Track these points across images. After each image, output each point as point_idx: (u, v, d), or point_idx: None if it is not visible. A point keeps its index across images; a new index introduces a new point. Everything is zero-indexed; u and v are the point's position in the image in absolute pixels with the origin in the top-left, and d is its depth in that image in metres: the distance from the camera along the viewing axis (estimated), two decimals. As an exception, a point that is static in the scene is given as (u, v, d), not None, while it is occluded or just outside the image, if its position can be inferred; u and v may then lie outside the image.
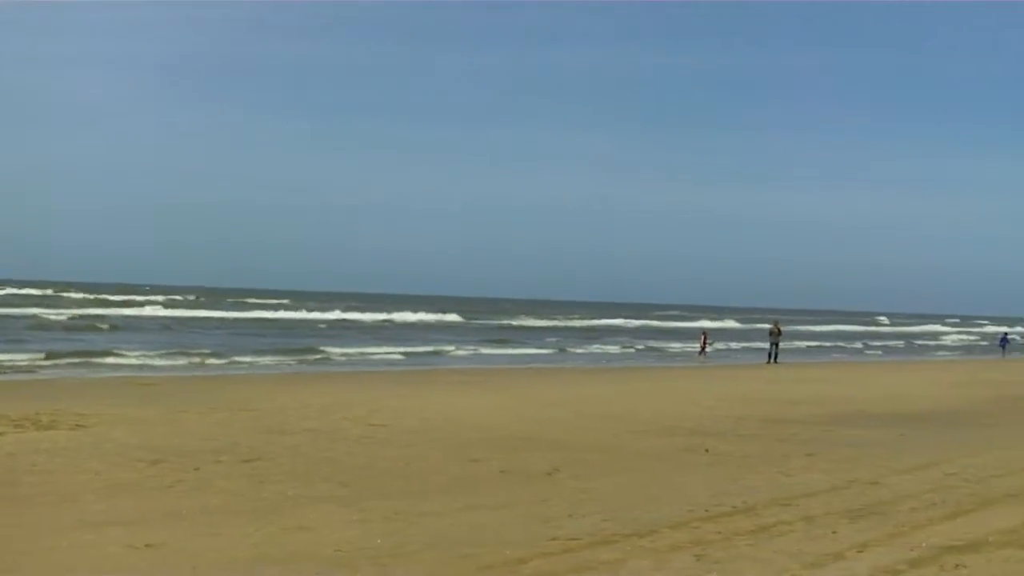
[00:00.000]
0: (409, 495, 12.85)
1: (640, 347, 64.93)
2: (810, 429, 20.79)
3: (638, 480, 14.23)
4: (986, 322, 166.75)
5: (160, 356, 39.49)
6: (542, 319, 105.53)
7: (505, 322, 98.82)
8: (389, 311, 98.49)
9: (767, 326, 54.69)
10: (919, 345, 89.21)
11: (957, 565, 9.28)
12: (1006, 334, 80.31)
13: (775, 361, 49.71)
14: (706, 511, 11.70)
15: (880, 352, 74.57)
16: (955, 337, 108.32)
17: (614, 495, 12.93)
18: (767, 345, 51.47)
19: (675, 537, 10.38)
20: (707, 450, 17.28)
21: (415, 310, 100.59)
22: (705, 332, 61.32)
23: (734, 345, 66.28)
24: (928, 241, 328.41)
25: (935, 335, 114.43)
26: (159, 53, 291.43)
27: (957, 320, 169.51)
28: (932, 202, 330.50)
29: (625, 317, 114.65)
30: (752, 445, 18.07)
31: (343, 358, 44.96)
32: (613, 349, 62.00)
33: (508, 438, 18.40)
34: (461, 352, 53.01)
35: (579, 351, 58.35)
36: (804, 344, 75.49)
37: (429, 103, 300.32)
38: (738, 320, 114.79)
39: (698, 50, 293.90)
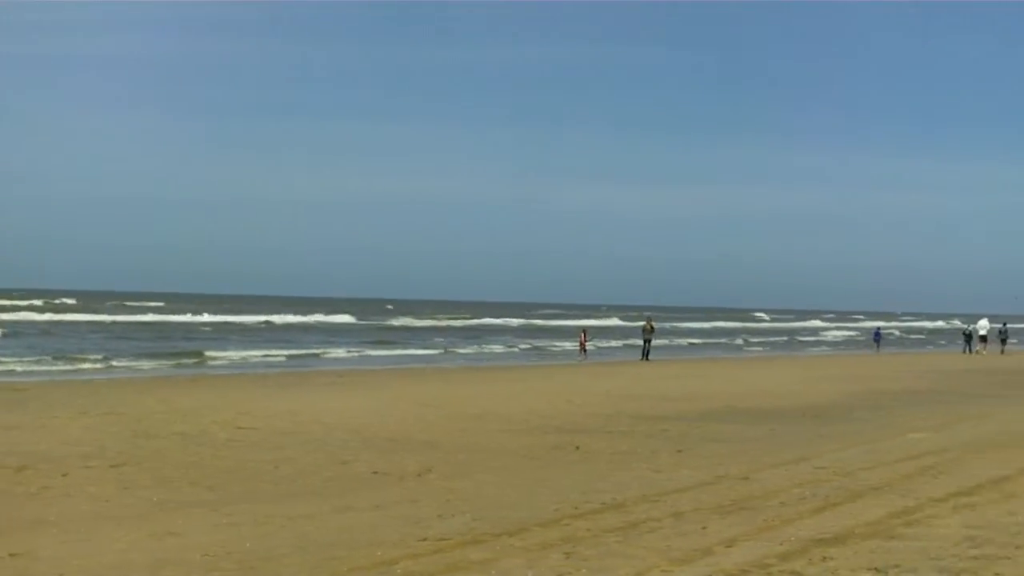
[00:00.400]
0: (279, 498, 12.74)
1: (524, 346, 65.79)
2: (680, 425, 20.92)
3: (509, 479, 14.20)
4: (862, 317, 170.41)
5: (35, 361, 38.83)
6: (431, 319, 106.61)
7: (396, 323, 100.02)
8: (280, 313, 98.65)
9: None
10: (798, 341, 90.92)
11: (824, 557, 9.35)
12: (879, 329, 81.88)
13: (647, 358, 50.20)
14: (576, 508, 11.70)
15: (759, 348, 75.66)
16: (834, 333, 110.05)
17: (485, 495, 12.90)
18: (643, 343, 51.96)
19: (545, 535, 10.34)
20: (578, 448, 17.34)
21: (308, 312, 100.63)
22: (585, 330, 61.57)
23: (615, 343, 66.71)
24: (806, 238, 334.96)
25: (814, 331, 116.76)
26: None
27: (833, 316, 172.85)
28: (803, 199, 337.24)
29: (510, 317, 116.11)
30: (623, 442, 18.15)
31: (224, 361, 44.63)
32: (498, 348, 62.73)
33: (381, 439, 18.28)
34: (344, 353, 52.93)
35: (464, 351, 58.68)
36: (686, 341, 76.79)
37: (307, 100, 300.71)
38: (621, 318, 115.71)
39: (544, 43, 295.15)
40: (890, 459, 15.66)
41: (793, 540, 10.04)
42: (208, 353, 47.47)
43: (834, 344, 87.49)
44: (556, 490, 13.06)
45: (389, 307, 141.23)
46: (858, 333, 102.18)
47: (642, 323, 54.45)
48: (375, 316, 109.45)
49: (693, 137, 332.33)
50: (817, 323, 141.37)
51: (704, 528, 10.63)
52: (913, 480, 13.71)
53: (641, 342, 52.09)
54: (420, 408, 23.62)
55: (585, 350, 55.42)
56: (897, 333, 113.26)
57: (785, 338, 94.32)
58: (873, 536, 10.24)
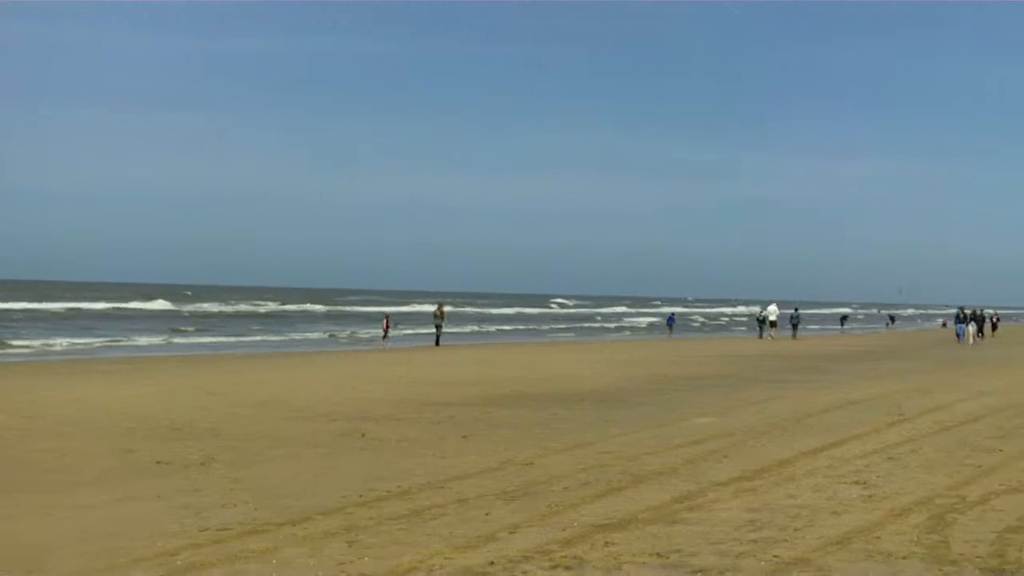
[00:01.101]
0: (61, 488, 12.39)
1: (329, 332, 66.09)
2: (468, 411, 20.91)
3: (293, 467, 14.01)
4: (659, 303, 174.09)
5: None
6: (246, 304, 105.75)
7: (215, 308, 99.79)
8: (90, 300, 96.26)
9: (449, 309, 55.51)
10: (601, 327, 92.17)
11: (607, 543, 9.43)
12: (673, 314, 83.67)
13: (438, 344, 50.39)
14: (360, 496, 11.61)
15: (562, 334, 76.47)
16: (635, 319, 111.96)
17: (268, 483, 12.69)
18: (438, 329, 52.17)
19: (328, 524, 10.24)
20: (364, 435, 17.20)
21: (127, 299, 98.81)
22: (387, 316, 61.82)
23: (423, 330, 66.80)
24: (607, 229, 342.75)
25: (619, 316, 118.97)
26: None
27: (629, 301, 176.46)
28: (612, 187, 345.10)
29: (319, 303, 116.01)
30: (409, 429, 18.03)
31: (26, 349, 43.77)
32: (314, 335, 62.98)
33: (165, 428, 17.87)
34: (146, 341, 51.74)
35: (275, 338, 58.52)
36: (495, 328, 77.58)
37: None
38: (431, 304, 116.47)
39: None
40: (675, 444, 15.87)
41: (576, 525, 10.10)
42: (9, 341, 46.21)
43: (636, 329, 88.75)
44: (340, 478, 12.92)
45: (188, 293, 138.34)
46: (660, 319, 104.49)
47: (433, 308, 54.70)
48: (200, 301, 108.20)
49: (494, 128, 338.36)
50: (621, 309, 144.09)
51: (488, 514, 10.64)
52: (697, 464, 13.92)
53: (433, 328, 52.39)
54: (206, 396, 23.20)
55: (387, 336, 55.56)
56: (702, 319, 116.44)
57: (587, 324, 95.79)
58: (656, 521, 10.37)
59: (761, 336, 67.35)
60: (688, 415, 20.10)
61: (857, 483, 12.49)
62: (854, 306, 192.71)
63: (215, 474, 13.44)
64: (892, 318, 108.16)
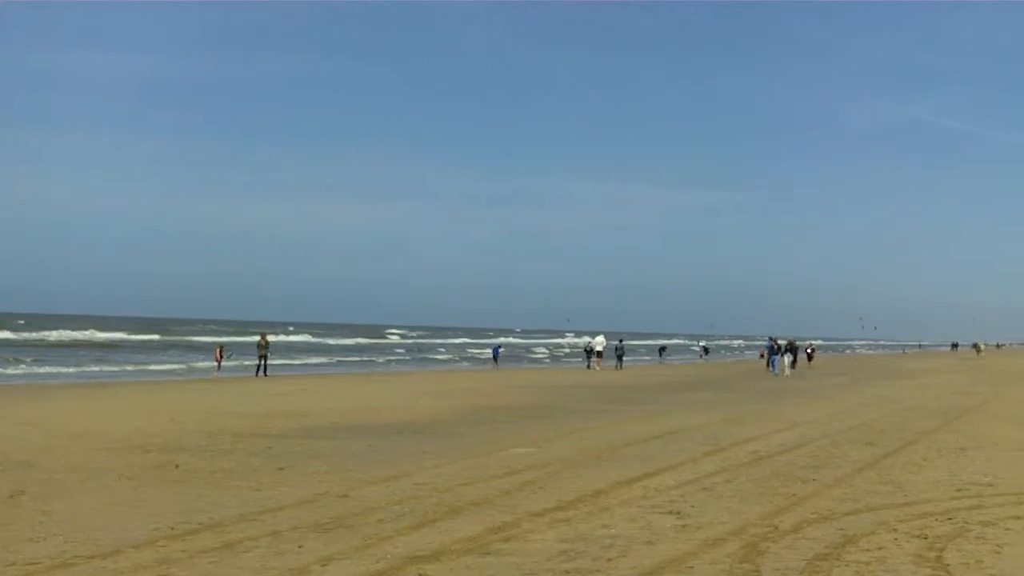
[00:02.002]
0: None
1: (164, 363, 64.98)
2: (284, 443, 20.67)
3: (104, 500, 13.63)
4: (492, 334, 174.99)
5: None
6: (82, 333, 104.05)
7: (51, 337, 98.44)
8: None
9: (285, 339, 55.10)
10: (431, 358, 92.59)
11: (420, 574, 9.41)
12: (498, 346, 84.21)
13: (264, 374, 49.81)
14: (172, 529, 11.38)
15: (395, 364, 76.54)
16: (476, 351, 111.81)
17: (79, 516, 12.34)
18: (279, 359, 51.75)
19: (139, 557, 10.02)
20: (177, 466, 16.88)
21: None
22: (221, 346, 61.57)
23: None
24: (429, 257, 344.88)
25: (460, 347, 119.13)
26: None
27: (462, 332, 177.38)
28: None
29: (157, 333, 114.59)
30: (224, 460, 17.74)
31: None
32: (152, 366, 61.52)
33: (-27, 461, 17.27)
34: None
35: (111, 368, 58.17)
36: (334, 359, 77.32)
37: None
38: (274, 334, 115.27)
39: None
40: (491, 474, 15.89)
41: (390, 557, 10.05)
42: None
43: (476, 360, 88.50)
44: (153, 511, 12.63)
45: (21, 321, 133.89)
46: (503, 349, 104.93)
47: (257, 339, 54.14)
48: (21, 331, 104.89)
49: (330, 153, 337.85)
50: (461, 340, 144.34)
51: (301, 547, 10.52)
52: (512, 495, 13.95)
53: (257, 358, 51.78)
54: (16, 427, 22.59)
55: (220, 366, 55.13)
56: (534, 350, 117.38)
57: (424, 355, 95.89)
58: (470, 552, 10.37)
59: (588, 367, 68.44)
60: (505, 445, 20.14)
61: (671, 513, 12.64)
62: (678, 337, 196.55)
63: (24, 507, 13.04)
64: (706, 349, 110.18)
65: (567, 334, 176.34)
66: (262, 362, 51.00)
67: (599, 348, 69.76)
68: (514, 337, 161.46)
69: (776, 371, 59.42)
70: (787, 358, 60.12)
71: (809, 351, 75.82)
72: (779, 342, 63.05)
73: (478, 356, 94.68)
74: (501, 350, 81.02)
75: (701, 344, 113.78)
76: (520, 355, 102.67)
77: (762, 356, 64.16)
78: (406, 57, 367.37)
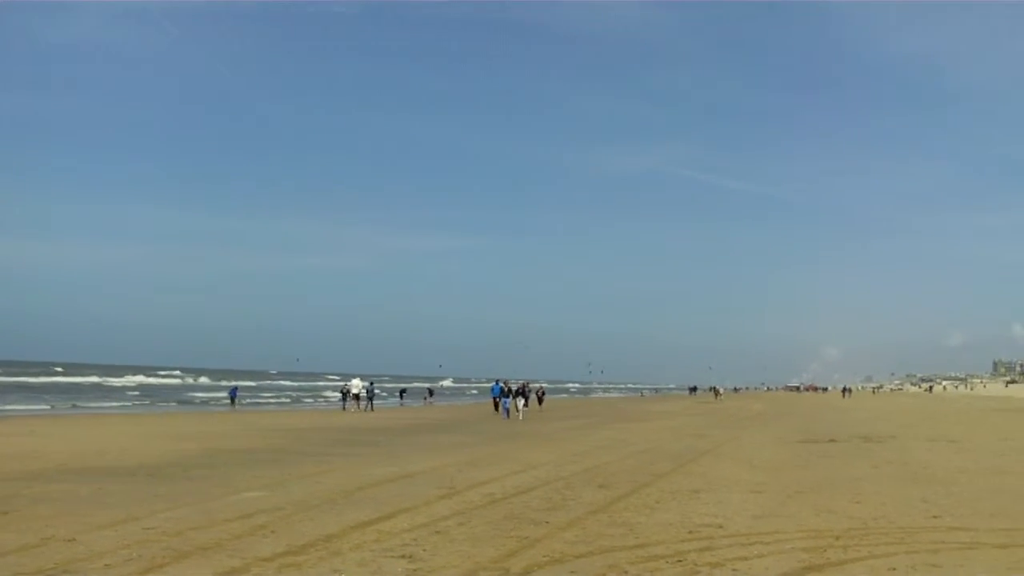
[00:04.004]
0: None
1: None
2: (9, 486, 19.99)
3: None
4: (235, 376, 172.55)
5: None
6: None
7: None
8: None
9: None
10: (165, 400, 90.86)
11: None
12: (236, 387, 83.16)
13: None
14: None
15: (124, 406, 74.69)
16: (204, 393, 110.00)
17: None
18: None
19: None
20: None
21: None
22: None
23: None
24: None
25: (207, 388, 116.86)
26: None
27: (204, 373, 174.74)
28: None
29: None
30: (-63, 507, 17.00)
31: None
32: None
33: None
34: None
35: None
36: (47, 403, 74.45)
37: None
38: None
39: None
40: (222, 518, 15.64)
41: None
42: None
43: (215, 403, 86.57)
44: None
45: None
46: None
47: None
48: None
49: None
50: (204, 380, 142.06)
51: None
52: (243, 540, 13.77)
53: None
54: None
55: None
56: (286, 393, 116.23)
57: (157, 397, 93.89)
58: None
59: (344, 408, 69.22)
60: (239, 489, 19.86)
61: (404, 557, 12.65)
62: (417, 380, 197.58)
63: None
64: (430, 391, 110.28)
65: (332, 376, 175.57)
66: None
67: (355, 390, 71.06)
68: (268, 380, 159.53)
69: (507, 415, 59.29)
70: (519, 401, 60.31)
71: (540, 394, 76.33)
72: (509, 385, 63.15)
73: (218, 399, 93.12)
74: (238, 392, 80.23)
75: (427, 387, 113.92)
76: (262, 398, 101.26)
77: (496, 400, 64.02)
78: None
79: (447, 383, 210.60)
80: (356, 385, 71.77)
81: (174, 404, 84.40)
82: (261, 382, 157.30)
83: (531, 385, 75.06)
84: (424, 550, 13.16)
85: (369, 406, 69.54)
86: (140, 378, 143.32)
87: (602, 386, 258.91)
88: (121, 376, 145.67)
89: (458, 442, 36.22)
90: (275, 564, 12.06)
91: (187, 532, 14.29)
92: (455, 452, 30.78)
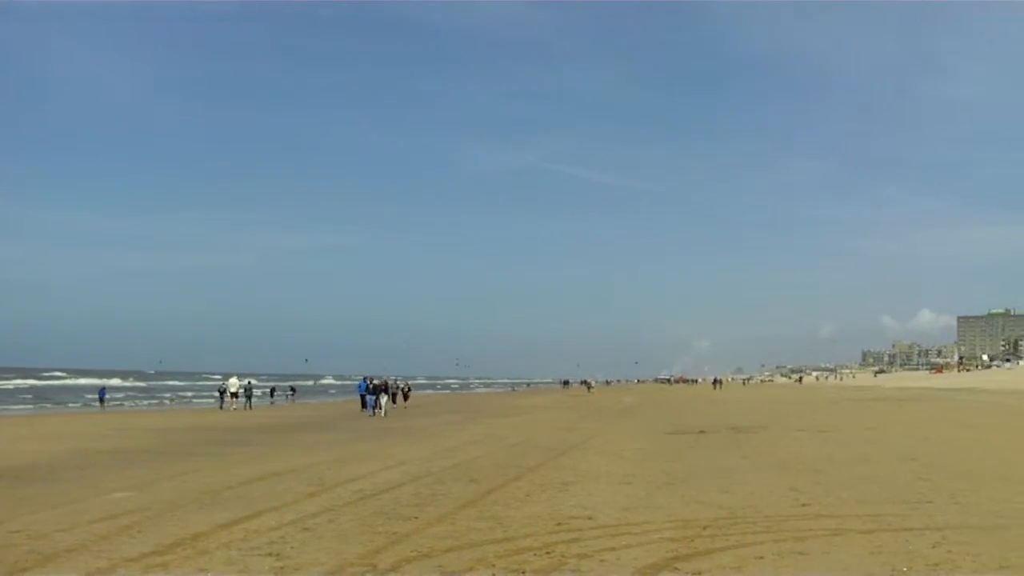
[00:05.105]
0: None
1: None
2: None
3: None
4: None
5: None
6: None
7: None
8: None
9: None
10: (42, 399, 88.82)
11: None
12: (104, 388, 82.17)
13: None
14: None
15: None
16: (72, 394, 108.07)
17: None
18: None
19: None
20: None
21: None
22: None
23: None
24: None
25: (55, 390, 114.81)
26: None
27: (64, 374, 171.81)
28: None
29: None
30: None
31: None
32: None
33: None
34: None
35: None
36: None
37: None
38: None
39: None
40: (88, 519, 15.53)
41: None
42: None
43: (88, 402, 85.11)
44: None
45: None
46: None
47: None
48: None
49: None
50: (116, 381, 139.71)
51: None
52: (110, 540, 13.70)
53: None
54: None
55: None
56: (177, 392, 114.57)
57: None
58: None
59: (222, 407, 69.63)
60: (107, 490, 19.68)
61: (271, 555, 12.66)
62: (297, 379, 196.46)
63: None
64: (293, 389, 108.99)
65: (215, 376, 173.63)
66: None
67: (233, 389, 71.62)
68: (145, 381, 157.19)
69: (372, 411, 58.79)
70: (383, 398, 60.04)
71: (405, 391, 75.87)
72: (374, 382, 62.57)
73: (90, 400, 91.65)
74: (106, 393, 79.43)
75: (289, 386, 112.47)
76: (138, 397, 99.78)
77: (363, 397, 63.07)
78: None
79: (329, 380, 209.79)
80: (234, 384, 71.82)
81: (48, 405, 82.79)
82: (136, 383, 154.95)
83: (396, 382, 75.10)
84: (292, 548, 13.18)
85: (248, 405, 69.32)
86: (18, 381, 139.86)
87: (481, 381, 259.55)
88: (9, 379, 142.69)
89: (330, 439, 36.14)
90: (141, 564, 12.02)
91: (53, 534, 14.18)
92: (326, 449, 30.76)
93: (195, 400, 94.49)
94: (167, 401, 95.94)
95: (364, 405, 61.44)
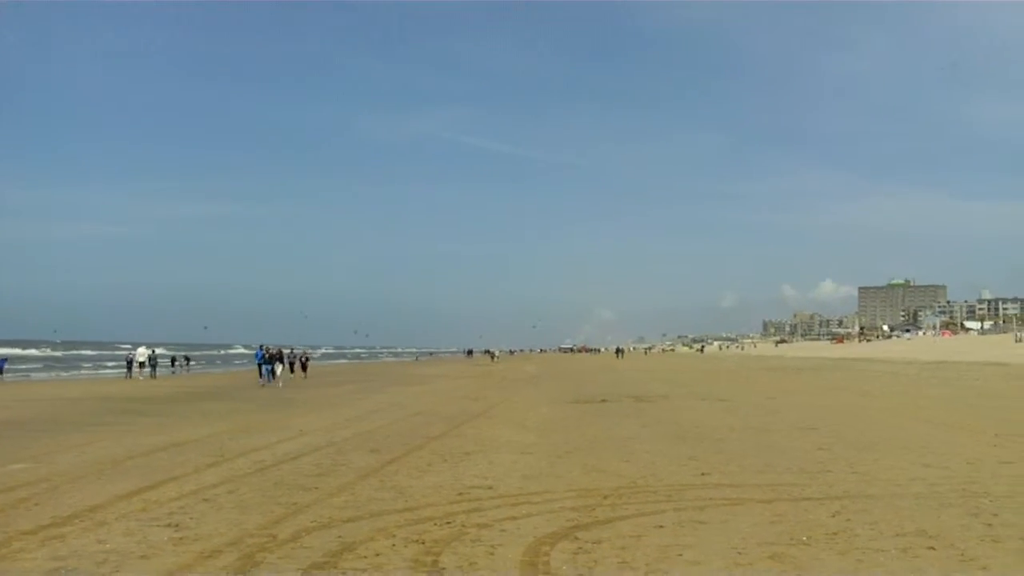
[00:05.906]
0: None
1: None
2: None
3: None
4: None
5: None
6: None
7: None
8: None
9: None
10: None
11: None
12: (5, 358, 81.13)
13: None
14: None
15: None
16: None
17: None
18: None
19: None
20: None
21: None
22: None
23: None
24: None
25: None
26: None
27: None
28: None
29: None
30: None
31: None
32: None
33: None
34: None
35: None
36: None
37: None
38: None
39: None
40: (-16, 492, 15.38)
41: None
42: None
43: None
44: None
45: None
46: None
47: None
48: None
49: None
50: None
51: None
52: (6, 513, 13.58)
53: None
54: None
55: None
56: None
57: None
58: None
59: (129, 376, 70.55)
60: (2, 462, 19.48)
61: (170, 526, 12.61)
62: (206, 348, 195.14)
63: None
64: (187, 359, 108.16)
65: (125, 345, 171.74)
66: None
67: (140, 359, 72.81)
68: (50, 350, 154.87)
69: (269, 381, 58.42)
70: (279, 367, 59.66)
71: (303, 360, 75.18)
72: (270, 351, 62.27)
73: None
74: (6, 364, 78.29)
75: (183, 355, 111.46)
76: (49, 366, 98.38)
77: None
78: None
79: (240, 349, 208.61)
80: (142, 354, 72.60)
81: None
82: (45, 352, 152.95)
83: (294, 352, 74.81)
84: (191, 518, 13.13)
85: (153, 374, 69.64)
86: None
87: (388, 351, 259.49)
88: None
89: (231, 409, 36.02)
90: (39, 537, 11.92)
91: None
92: (227, 419, 30.66)
93: (101, 371, 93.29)
94: (73, 372, 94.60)
95: (261, 374, 61.08)
